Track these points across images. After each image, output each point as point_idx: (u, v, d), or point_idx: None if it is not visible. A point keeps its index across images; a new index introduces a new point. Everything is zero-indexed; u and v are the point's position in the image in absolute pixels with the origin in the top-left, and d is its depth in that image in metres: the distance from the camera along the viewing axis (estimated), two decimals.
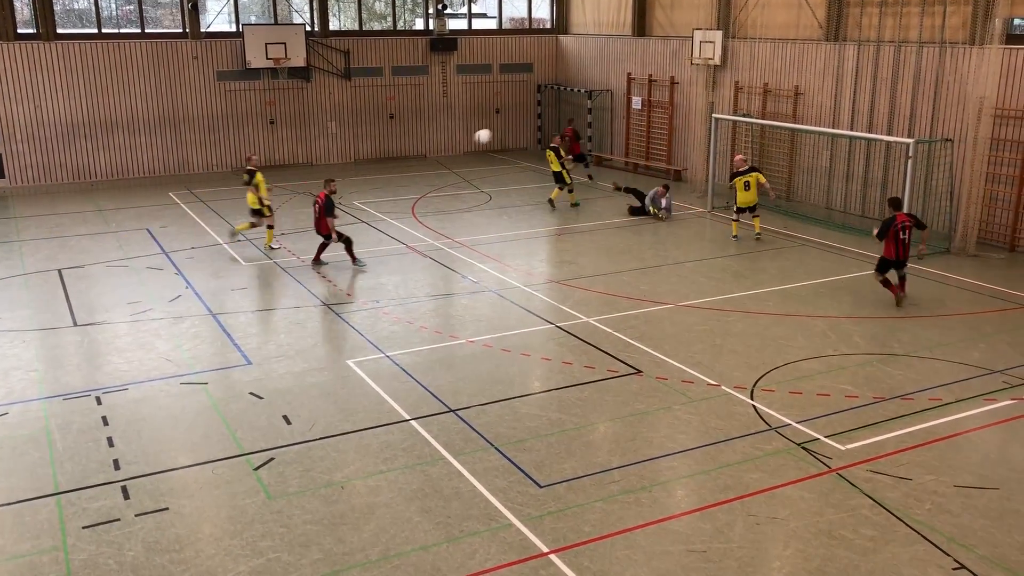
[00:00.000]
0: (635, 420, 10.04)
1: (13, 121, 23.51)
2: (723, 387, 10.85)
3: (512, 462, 9.03)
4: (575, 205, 21.16)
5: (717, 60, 22.60)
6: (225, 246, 17.58)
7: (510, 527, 7.90)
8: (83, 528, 7.93)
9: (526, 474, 8.80)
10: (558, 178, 20.90)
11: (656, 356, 11.81)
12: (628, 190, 20.87)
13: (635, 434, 9.71)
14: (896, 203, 13.96)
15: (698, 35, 23.09)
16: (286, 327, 13.04)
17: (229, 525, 8.01)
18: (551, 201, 21.01)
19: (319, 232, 16.07)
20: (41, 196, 22.81)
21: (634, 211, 20.23)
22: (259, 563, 7.44)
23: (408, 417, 10.06)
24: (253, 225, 17.44)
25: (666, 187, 20.38)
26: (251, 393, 10.77)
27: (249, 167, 17.25)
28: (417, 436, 9.62)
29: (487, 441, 9.48)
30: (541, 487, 8.56)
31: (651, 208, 19.97)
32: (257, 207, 17.18)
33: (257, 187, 17.08)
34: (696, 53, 23.14)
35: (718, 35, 22.57)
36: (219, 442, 9.55)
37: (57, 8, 23.99)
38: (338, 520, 8.05)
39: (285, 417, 10.12)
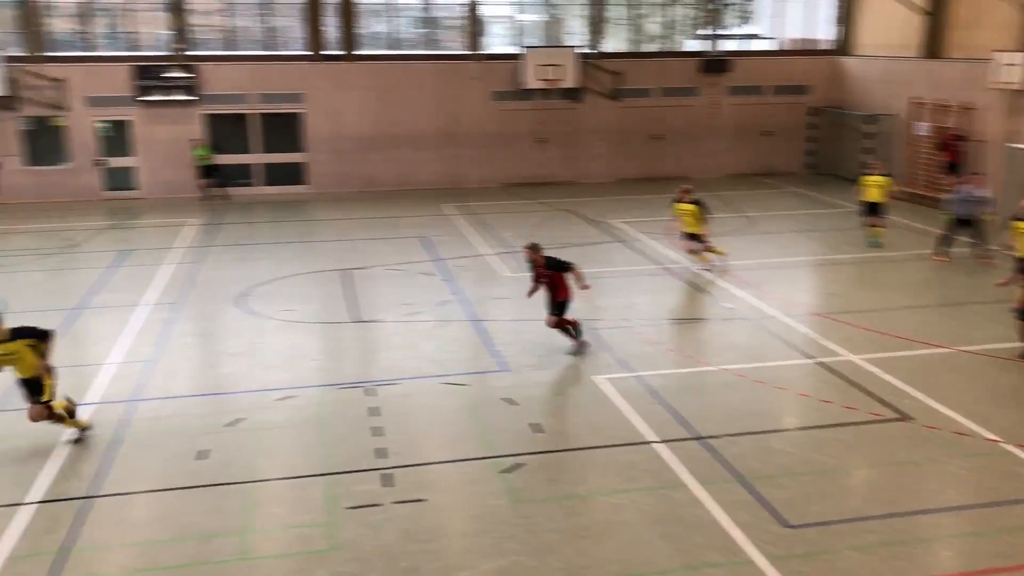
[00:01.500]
0: (898, 469, 9.36)
1: (317, 133, 26.16)
2: (1004, 444, 9.83)
3: (759, 498, 8.73)
4: (875, 244, 18.83)
5: (1020, 85, 20.54)
6: (487, 258, 18.45)
7: (751, 564, 7.66)
8: (347, 508, 8.65)
9: (774, 511, 8.47)
10: (876, 209, 18.64)
11: (927, 403, 10.93)
12: (948, 238, 17.75)
13: (898, 484, 9.05)
14: None
15: (999, 57, 21.12)
16: (541, 338, 13.44)
17: (478, 523, 8.40)
18: (878, 242, 18.81)
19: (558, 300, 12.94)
20: (336, 202, 25.13)
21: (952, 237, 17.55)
22: (503, 564, 7.74)
23: (653, 439, 10.04)
24: (709, 249, 17.16)
25: (949, 168, 17.71)
26: (504, 399, 11.23)
27: (676, 197, 17.27)
28: (661, 459, 9.56)
29: (734, 473, 9.23)
30: (789, 527, 8.22)
31: (978, 214, 17.13)
32: (691, 231, 16.96)
33: (679, 218, 17.09)
34: (995, 76, 21.17)
35: (1022, 57, 20.51)
36: (473, 442, 10.04)
37: (361, 31, 26.37)
38: (580, 532, 8.20)
39: (535, 425, 10.45)
